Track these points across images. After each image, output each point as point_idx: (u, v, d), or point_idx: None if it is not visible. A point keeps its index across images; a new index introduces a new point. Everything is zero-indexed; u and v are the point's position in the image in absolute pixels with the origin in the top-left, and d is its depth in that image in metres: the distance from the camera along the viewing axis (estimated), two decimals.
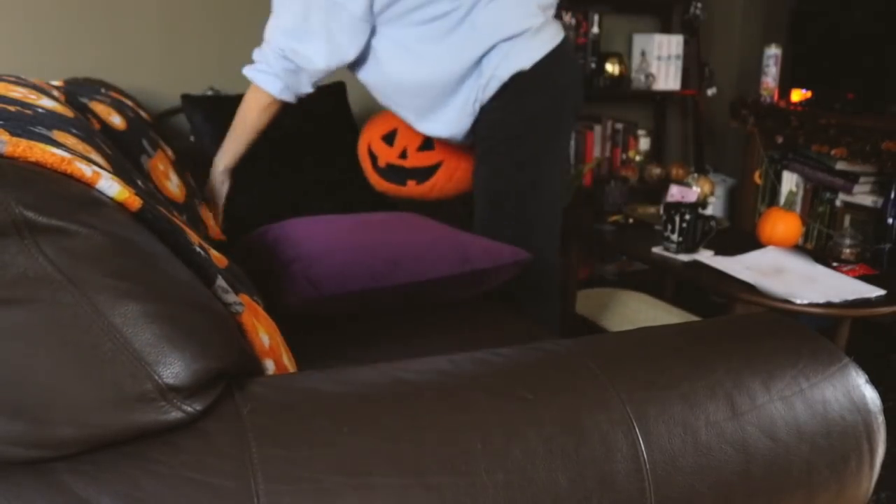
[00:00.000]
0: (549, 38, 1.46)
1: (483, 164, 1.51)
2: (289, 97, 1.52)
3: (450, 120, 1.50)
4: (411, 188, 1.73)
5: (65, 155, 0.60)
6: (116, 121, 1.32)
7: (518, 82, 1.42)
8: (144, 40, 2.14)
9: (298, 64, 1.44)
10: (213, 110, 1.93)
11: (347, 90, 2.17)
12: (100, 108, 1.29)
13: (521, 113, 1.44)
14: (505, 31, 1.40)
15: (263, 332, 0.74)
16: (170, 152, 1.50)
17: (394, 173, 1.71)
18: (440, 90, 1.45)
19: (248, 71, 1.52)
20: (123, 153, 1.15)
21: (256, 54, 1.50)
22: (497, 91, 1.43)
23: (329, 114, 2.08)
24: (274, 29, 1.45)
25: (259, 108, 1.53)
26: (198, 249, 0.69)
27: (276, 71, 1.47)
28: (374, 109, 2.41)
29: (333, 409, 0.60)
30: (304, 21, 1.40)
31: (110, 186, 0.62)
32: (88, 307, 0.52)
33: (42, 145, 0.60)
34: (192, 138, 1.99)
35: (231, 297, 0.70)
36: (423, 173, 1.71)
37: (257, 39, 2.32)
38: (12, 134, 0.61)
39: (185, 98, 1.96)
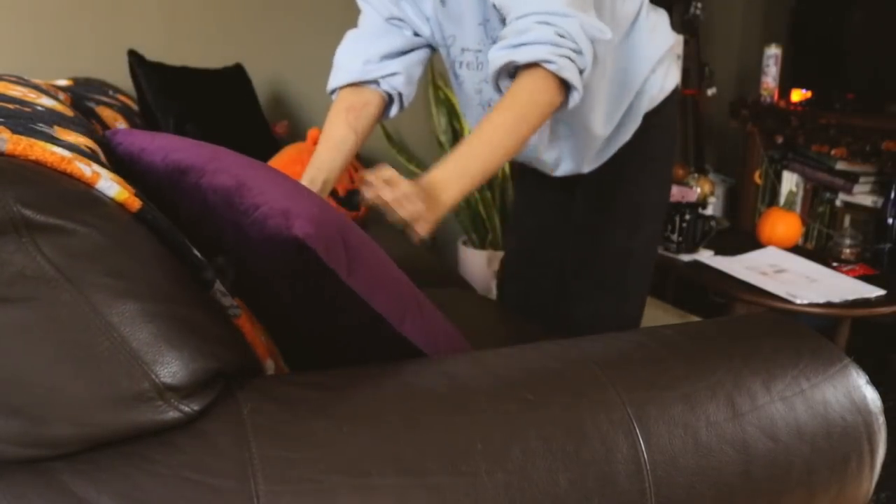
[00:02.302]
0: None
1: (628, 183, 1.31)
2: (580, 88, 1.00)
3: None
4: (362, 210, 1.69)
5: (65, 154, 0.60)
6: (122, 127, 1.32)
7: (671, 100, 1.31)
8: (145, 40, 2.14)
9: (573, 49, 0.96)
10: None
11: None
12: (106, 114, 1.29)
13: (674, 129, 1.35)
14: (670, 41, 1.27)
15: (262, 335, 0.74)
16: None
17: (350, 199, 1.64)
18: (621, 108, 1.24)
19: (546, 52, 0.95)
20: None
21: (546, 33, 0.95)
22: (660, 104, 1.28)
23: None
24: None
25: (552, 107, 0.99)
26: (195, 251, 0.69)
27: (586, 52, 0.97)
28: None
29: (333, 409, 0.59)
30: None
31: (110, 187, 0.62)
32: (86, 306, 0.52)
33: (43, 144, 0.60)
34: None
35: (229, 301, 0.69)
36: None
37: (261, 40, 2.32)
38: (13, 132, 0.61)
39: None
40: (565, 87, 0.99)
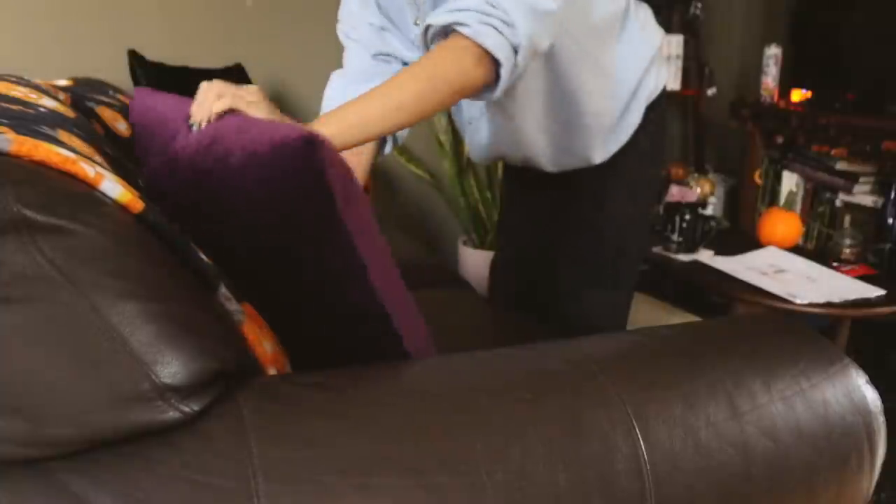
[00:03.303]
0: None
1: (623, 178, 1.32)
2: (508, 63, 0.90)
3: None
4: None
5: (69, 155, 0.60)
6: (122, 127, 1.31)
7: (662, 97, 1.31)
8: (145, 40, 2.14)
9: (502, 19, 0.88)
10: None
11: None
12: (107, 114, 1.28)
13: (666, 125, 1.35)
14: (659, 38, 1.28)
15: (267, 342, 0.73)
16: None
17: None
18: (620, 105, 1.24)
19: (464, 17, 0.88)
20: (127, 160, 1.15)
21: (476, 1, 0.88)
22: (655, 100, 1.28)
23: None
24: None
25: (468, 78, 0.89)
26: (200, 255, 0.69)
27: (519, 26, 0.88)
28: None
29: (333, 409, 0.59)
30: None
31: (113, 188, 0.62)
32: (86, 306, 0.52)
33: (48, 145, 0.60)
34: None
35: (233, 306, 0.69)
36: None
37: (261, 40, 2.32)
38: (17, 132, 0.61)
39: None
40: (493, 61, 0.89)
